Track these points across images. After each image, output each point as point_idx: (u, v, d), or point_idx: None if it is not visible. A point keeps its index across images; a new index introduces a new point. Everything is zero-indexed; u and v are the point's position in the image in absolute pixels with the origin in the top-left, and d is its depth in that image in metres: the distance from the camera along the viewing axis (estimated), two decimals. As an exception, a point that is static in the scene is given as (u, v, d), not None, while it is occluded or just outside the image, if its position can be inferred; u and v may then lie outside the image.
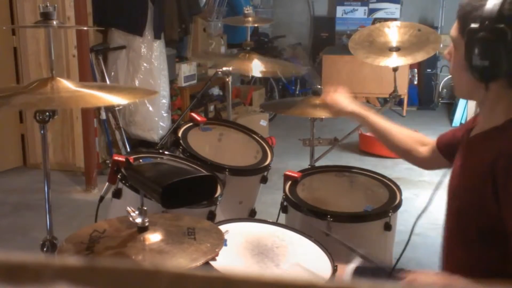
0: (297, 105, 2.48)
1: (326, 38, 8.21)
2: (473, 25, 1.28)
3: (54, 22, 1.54)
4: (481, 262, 1.36)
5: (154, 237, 1.42)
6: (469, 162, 1.40)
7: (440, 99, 7.79)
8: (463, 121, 6.58)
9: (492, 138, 1.35)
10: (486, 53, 1.27)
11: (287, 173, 2.25)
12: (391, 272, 1.55)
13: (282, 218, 2.14)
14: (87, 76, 4.21)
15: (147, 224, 1.43)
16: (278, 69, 2.97)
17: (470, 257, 1.39)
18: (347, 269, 1.65)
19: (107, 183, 1.90)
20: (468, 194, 1.36)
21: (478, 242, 1.36)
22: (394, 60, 2.41)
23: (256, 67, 2.71)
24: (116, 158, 1.81)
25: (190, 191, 1.46)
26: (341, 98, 1.90)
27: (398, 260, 1.69)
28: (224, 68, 2.74)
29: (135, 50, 4.83)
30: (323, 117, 2.39)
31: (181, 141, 2.22)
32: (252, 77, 6.74)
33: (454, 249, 1.46)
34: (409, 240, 1.45)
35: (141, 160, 1.92)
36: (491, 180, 1.27)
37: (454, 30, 1.39)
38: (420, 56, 2.39)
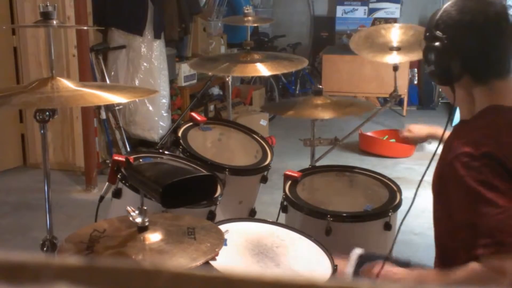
0: (298, 107, 2.48)
1: (326, 38, 8.20)
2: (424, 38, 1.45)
3: (54, 22, 1.54)
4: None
5: (154, 237, 1.42)
6: (439, 162, 1.45)
7: (440, 99, 7.79)
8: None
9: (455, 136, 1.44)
10: (433, 60, 1.42)
11: (287, 172, 2.24)
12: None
13: (282, 218, 2.14)
14: (87, 75, 4.21)
15: (147, 223, 1.43)
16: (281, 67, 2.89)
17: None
18: (351, 256, 1.67)
19: (107, 183, 1.90)
20: (436, 195, 1.41)
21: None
22: (395, 57, 2.41)
23: (260, 69, 2.64)
24: (116, 158, 1.81)
25: (190, 191, 1.46)
26: (415, 127, 2.15)
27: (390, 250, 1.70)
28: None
29: (135, 49, 4.83)
30: (326, 117, 2.40)
31: (181, 141, 2.22)
32: (252, 77, 6.73)
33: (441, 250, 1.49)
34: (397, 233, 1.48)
35: (141, 160, 1.92)
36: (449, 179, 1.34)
37: None
38: (421, 55, 2.39)
